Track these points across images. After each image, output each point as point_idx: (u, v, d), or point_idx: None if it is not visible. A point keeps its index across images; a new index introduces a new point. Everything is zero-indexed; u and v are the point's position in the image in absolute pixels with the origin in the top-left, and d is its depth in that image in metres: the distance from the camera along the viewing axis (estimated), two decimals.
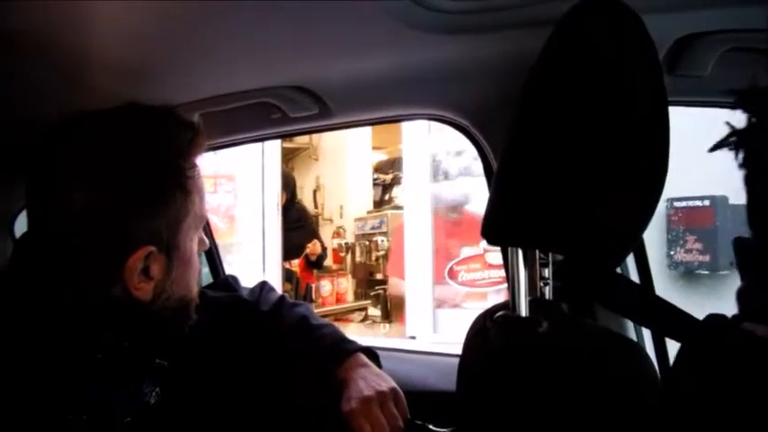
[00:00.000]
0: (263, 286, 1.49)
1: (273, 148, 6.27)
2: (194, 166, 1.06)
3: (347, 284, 7.17)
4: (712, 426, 0.68)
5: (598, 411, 0.74)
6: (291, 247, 6.53)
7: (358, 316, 7.09)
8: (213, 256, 2.08)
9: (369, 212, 7.95)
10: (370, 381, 1.25)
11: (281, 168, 6.69)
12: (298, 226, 6.60)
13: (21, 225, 1.79)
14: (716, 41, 1.10)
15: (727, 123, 0.70)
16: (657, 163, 0.74)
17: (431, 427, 1.41)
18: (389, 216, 7.36)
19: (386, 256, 7.22)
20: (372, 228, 7.51)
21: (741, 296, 0.76)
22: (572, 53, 0.79)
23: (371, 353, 1.34)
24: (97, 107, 1.04)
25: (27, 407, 0.89)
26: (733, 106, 0.72)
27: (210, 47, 1.22)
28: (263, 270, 6.00)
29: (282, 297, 1.46)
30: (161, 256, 1.01)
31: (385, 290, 7.08)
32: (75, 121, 1.02)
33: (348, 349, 1.32)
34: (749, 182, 0.69)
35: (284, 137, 1.64)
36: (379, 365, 1.32)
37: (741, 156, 0.68)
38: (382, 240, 7.25)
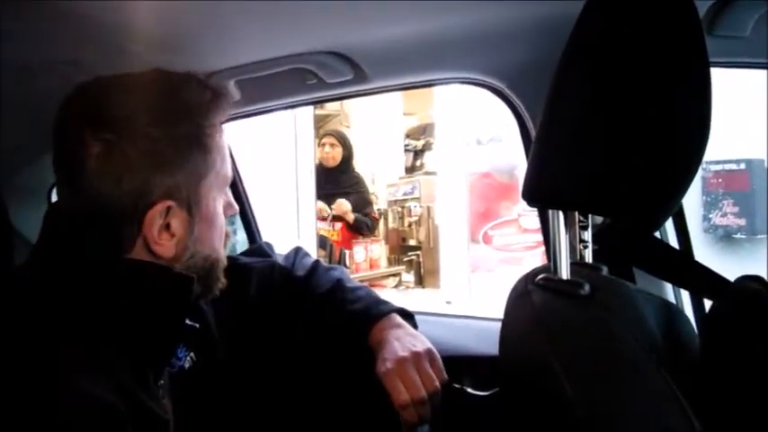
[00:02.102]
0: (298, 251, 1.50)
1: (306, 112, 6.21)
2: (215, 125, 1.05)
3: (380, 251, 7.14)
4: (743, 384, 0.69)
5: (641, 370, 0.74)
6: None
7: (392, 282, 7.08)
8: (250, 223, 2.10)
9: (400, 178, 7.90)
10: (405, 341, 1.24)
11: (338, 128, 6.61)
12: (353, 191, 6.38)
13: None
14: (757, 2, 1.08)
15: None
16: (699, 126, 0.73)
17: (469, 390, 1.42)
18: (422, 181, 7.33)
19: (418, 222, 7.19)
20: (405, 194, 7.47)
21: None
22: (611, 16, 0.78)
23: (407, 314, 1.34)
24: None
25: (65, 380, 0.90)
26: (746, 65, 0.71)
27: (245, 13, 1.22)
28: (298, 236, 5.99)
29: (317, 261, 1.46)
30: (182, 212, 1.00)
31: (418, 255, 7.07)
32: (96, 81, 1.02)
33: (382, 310, 1.32)
34: None
35: (320, 102, 1.64)
36: (415, 326, 1.32)
37: None
38: (415, 206, 7.22)
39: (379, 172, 7.85)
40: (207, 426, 1.14)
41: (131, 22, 1.20)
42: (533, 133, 1.42)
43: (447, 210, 5.97)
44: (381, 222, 7.34)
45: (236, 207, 1.15)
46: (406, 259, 7.17)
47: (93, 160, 0.95)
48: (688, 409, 0.66)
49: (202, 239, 1.05)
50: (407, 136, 8.31)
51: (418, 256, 7.08)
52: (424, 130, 8.19)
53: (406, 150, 8.30)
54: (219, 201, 1.08)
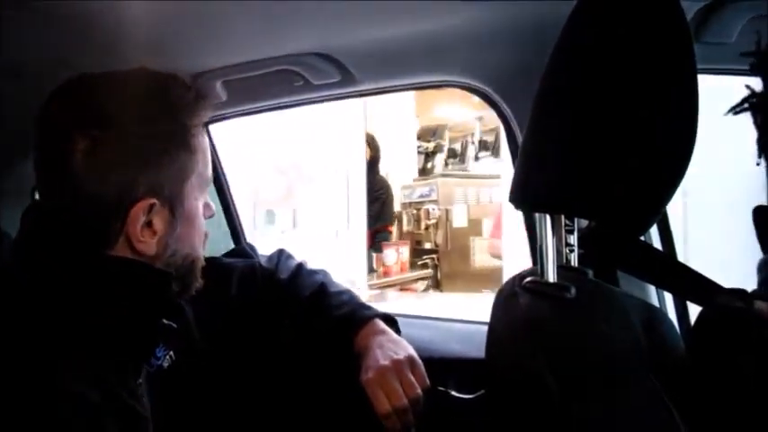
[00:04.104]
0: (281, 253, 1.50)
1: (357, 107, 6.08)
2: (198, 126, 1.06)
3: (407, 253, 7.03)
4: (724, 391, 0.70)
5: (629, 372, 0.75)
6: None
7: (421, 285, 6.99)
8: (235, 224, 2.09)
9: (415, 180, 7.84)
10: (387, 349, 1.24)
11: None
12: (379, 196, 6.30)
13: None
14: (742, 8, 1.09)
15: (747, 86, 0.70)
16: (686, 131, 0.73)
17: (453, 393, 1.42)
18: (440, 183, 7.28)
19: (436, 225, 7.12)
20: (421, 196, 7.39)
21: (762, 269, 0.77)
22: (600, 19, 0.79)
23: (390, 319, 1.34)
24: None
25: (42, 376, 0.90)
26: (750, 71, 0.72)
27: (233, 14, 1.22)
28: (342, 232, 5.90)
29: (300, 264, 1.46)
30: (164, 210, 1.01)
31: (433, 259, 7.01)
32: (82, 78, 1.02)
33: (364, 316, 1.32)
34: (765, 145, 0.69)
35: (307, 104, 1.63)
36: (398, 331, 1.32)
37: (759, 119, 0.68)
38: (433, 209, 7.16)
39: (392, 173, 7.63)
40: (186, 425, 1.13)
41: (120, 22, 1.20)
42: (518, 136, 1.43)
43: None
44: (395, 225, 7.24)
45: (213, 208, 1.16)
46: (420, 263, 7.09)
47: (78, 156, 0.95)
48: (674, 412, 0.67)
49: (183, 238, 1.06)
50: (418, 138, 8.25)
51: (433, 259, 7.03)
52: (434, 132, 8.16)
53: (418, 152, 8.26)
54: (200, 201, 1.10)
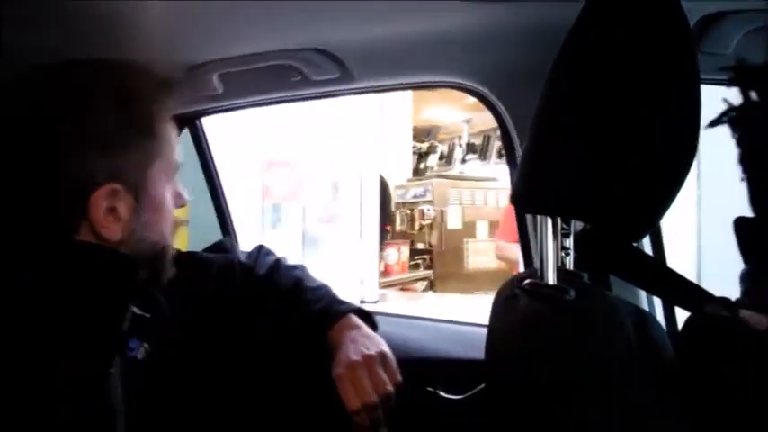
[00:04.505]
0: (260, 249, 1.50)
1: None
2: (162, 113, 1.08)
3: (407, 253, 7.02)
4: (709, 398, 0.71)
5: (626, 375, 0.75)
6: None
7: (420, 285, 7.00)
8: (225, 218, 2.09)
9: (409, 180, 7.83)
10: (359, 344, 1.24)
11: None
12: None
13: None
14: (742, 20, 1.10)
15: (725, 100, 0.70)
16: (687, 139, 0.74)
17: (442, 394, 1.42)
18: (435, 184, 7.26)
19: (431, 226, 7.11)
20: (415, 196, 7.40)
21: (744, 279, 0.77)
22: (605, 26, 0.79)
23: (365, 314, 1.34)
24: None
25: (6, 364, 0.90)
26: (729, 83, 0.72)
27: (231, 6, 1.21)
28: (360, 235, 5.93)
29: (278, 260, 1.46)
30: (128, 196, 1.03)
31: (425, 260, 7.00)
32: (43, 67, 1.05)
33: (339, 310, 1.32)
34: (749, 159, 0.69)
35: (304, 100, 1.63)
36: (374, 326, 1.32)
37: (737, 134, 0.68)
38: (428, 209, 7.15)
39: (387, 173, 7.74)
40: (160, 417, 1.13)
41: (115, 14, 1.19)
42: (515, 137, 1.43)
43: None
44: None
45: (185, 198, 1.17)
46: (412, 263, 7.09)
47: (41, 141, 0.98)
48: (669, 415, 0.67)
49: (150, 225, 1.08)
50: (412, 138, 8.27)
51: (425, 260, 7.02)
52: (428, 133, 8.16)
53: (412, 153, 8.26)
54: (168, 188, 1.11)
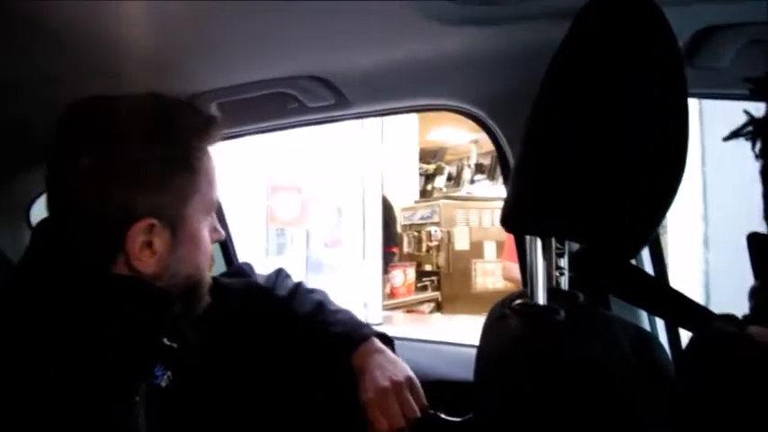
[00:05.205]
0: (279, 273, 1.50)
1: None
2: (203, 149, 1.09)
3: (413, 275, 7.01)
4: (716, 419, 0.69)
5: (615, 398, 0.74)
6: None
7: (427, 307, 6.97)
8: (227, 246, 2.09)
9: (416, 202, 7.83)
10: (387, 370, 1.25)
11: None
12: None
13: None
14: (735, 34, 1.10)
15: (745, 111, 0.69)
16: (676, 156, 0.73)
17: (442, 415, 1.41)
18: (441, 206, 7.27)
19: (438, 248, 7.10)
20: (422, 218, 7.39)
21: (753, 296, 0.76)
22: (592, 45, 0.79)
23: (386, 338, 1.35)
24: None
25: (39, 391, 0.91)
26: (750, 96, 0.71)
27: (229, 36, 1.22)
28: (363, 258, 5.93)
29: (299, 284, 1.46)
30: (165, 231, 1.03)
31: (433, 281, 6.98)
32: (96, 99, 1.05)
33: (362, 335, 1.32)
34: (766, 173, 0.68)
35: (300, 127, 1.64)
36: (393, 350, 1.33)
37: (758, 146, 0.68)
38: (435, 231, 7.14)
39: (392, 195, 7.72)
40: None
41: (115, 43, 1.20)
42: (511, 160, 1.43)
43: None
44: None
45: (222, 233, 1.18)
46: (420, 285, 7.08)
47: (82, 174, 0.98)
48: None
49: (185, 259, 1.07)
50: (418, 160, 8.27)
51: (432, 282, 7.01)
52: (435, 155, 8.16)
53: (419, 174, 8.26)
54: (205, 224, 1.11)
